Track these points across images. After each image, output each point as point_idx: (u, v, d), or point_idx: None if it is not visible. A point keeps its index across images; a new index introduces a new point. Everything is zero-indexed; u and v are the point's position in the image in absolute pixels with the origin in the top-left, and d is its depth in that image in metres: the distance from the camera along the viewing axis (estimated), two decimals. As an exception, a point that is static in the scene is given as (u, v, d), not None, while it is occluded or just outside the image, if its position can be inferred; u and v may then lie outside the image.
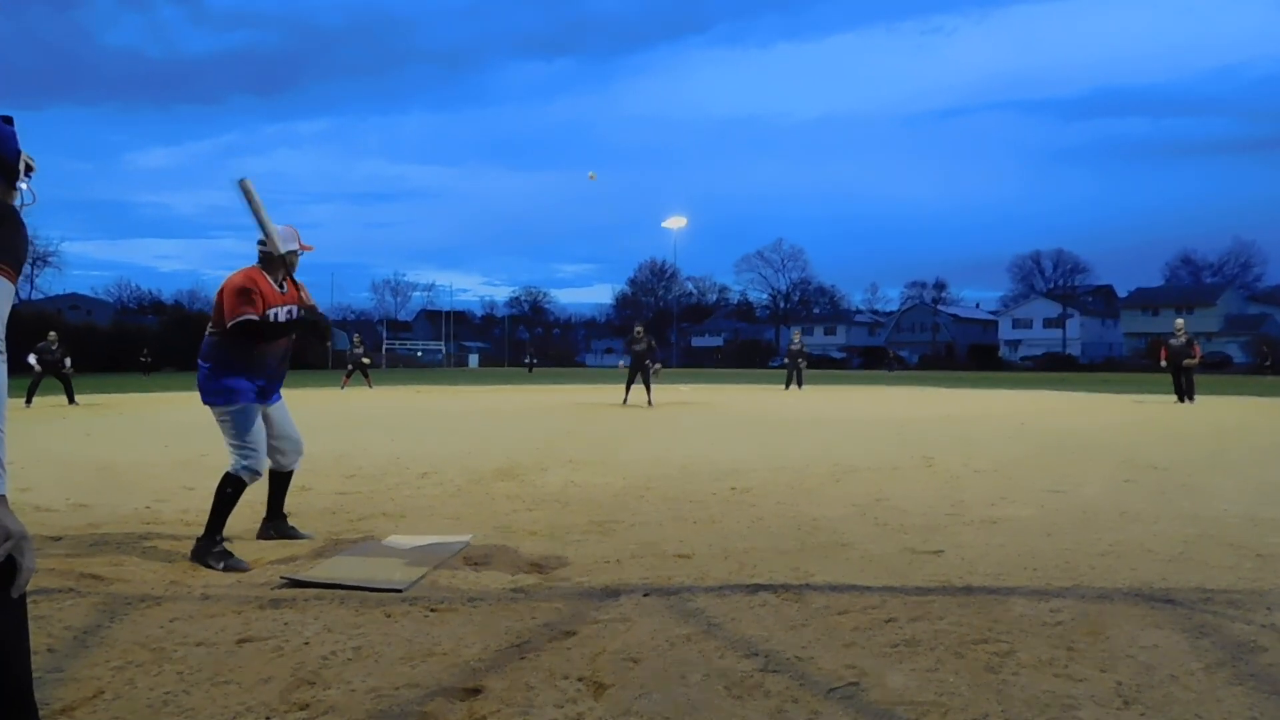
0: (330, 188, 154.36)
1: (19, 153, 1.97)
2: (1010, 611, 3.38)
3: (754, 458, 8.56)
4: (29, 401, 17.00)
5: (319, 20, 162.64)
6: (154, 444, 9.72)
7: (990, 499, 6.07)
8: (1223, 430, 11.96)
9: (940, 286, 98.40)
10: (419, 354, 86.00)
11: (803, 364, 26.94)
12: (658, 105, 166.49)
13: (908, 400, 20.84)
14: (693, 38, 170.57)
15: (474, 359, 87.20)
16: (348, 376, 27.04)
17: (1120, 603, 3.50)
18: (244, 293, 4.48)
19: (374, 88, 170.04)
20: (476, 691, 2.58)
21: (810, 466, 7.85)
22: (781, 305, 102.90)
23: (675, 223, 76.96)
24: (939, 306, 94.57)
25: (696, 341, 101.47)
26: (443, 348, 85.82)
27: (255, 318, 4.45)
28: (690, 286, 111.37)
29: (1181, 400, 18.28)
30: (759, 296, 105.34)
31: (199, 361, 4.59)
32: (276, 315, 4.57)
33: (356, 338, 28.81)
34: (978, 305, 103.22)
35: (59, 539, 4.73)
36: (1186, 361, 18.30)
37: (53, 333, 18.98)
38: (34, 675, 2.67)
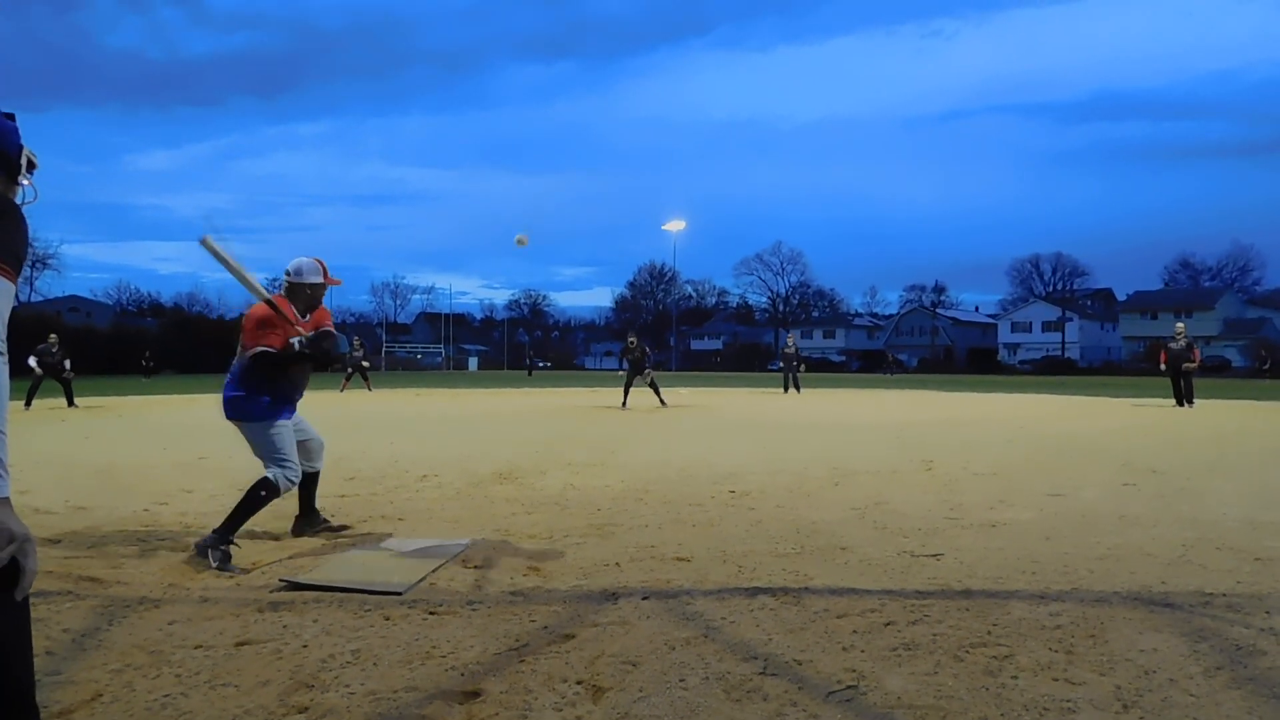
0: (330, 190, 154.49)
1: (21, 148, 1.97)
2: (1009, 615, 3.38)
3: (753, 461, 8.56)
4: (28, 404, 16.98)
5: (319, 22, 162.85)
6: (153, 447, 9.71)
7: (989, 502, 6.07)
8: (1222, 434, 11.97)
9: (939, 290, 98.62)
10: (418, 356, 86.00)
11: (799, 367, 26.97)
12: (658, 108, 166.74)
13: (907, 404, 20.84)
14: (693, 40, 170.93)
15: (473, 362, 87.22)
16: (347, 379, 27.02)
17: (1119, 606, 3.50)
18: (265, 323, 4.64)
19: (374, 90, 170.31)
20: (475, 694, 2.58)
21: (809, 470, 7.85)
22: (780, 308, 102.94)
23: (674, 226, 76.93)
24: (938, 310, 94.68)
25: (696, 345, 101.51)
26: (442, 350, 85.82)
27: (274, 350, 4.61)
28: (689, 289, 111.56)
29: (1181, 404, 18.28)
30: (758, 300, 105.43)
31: (233, 381, 4.72)
32: (300, 344, 4.72)
33: (356, 341, 28.76)
34: (977, 309, 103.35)
35: (58, 541, 4.72)
36: (1185, 365, 18.29)
37: (53, 335, 18.93)
38: (36, 678, 2.67)
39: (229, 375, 4.77)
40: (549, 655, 2.93)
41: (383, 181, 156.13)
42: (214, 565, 4.14)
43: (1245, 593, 3.72)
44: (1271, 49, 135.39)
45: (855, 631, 3.18)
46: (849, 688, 2.64)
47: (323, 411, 16.46)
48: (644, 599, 3.62)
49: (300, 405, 5.00)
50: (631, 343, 19.39)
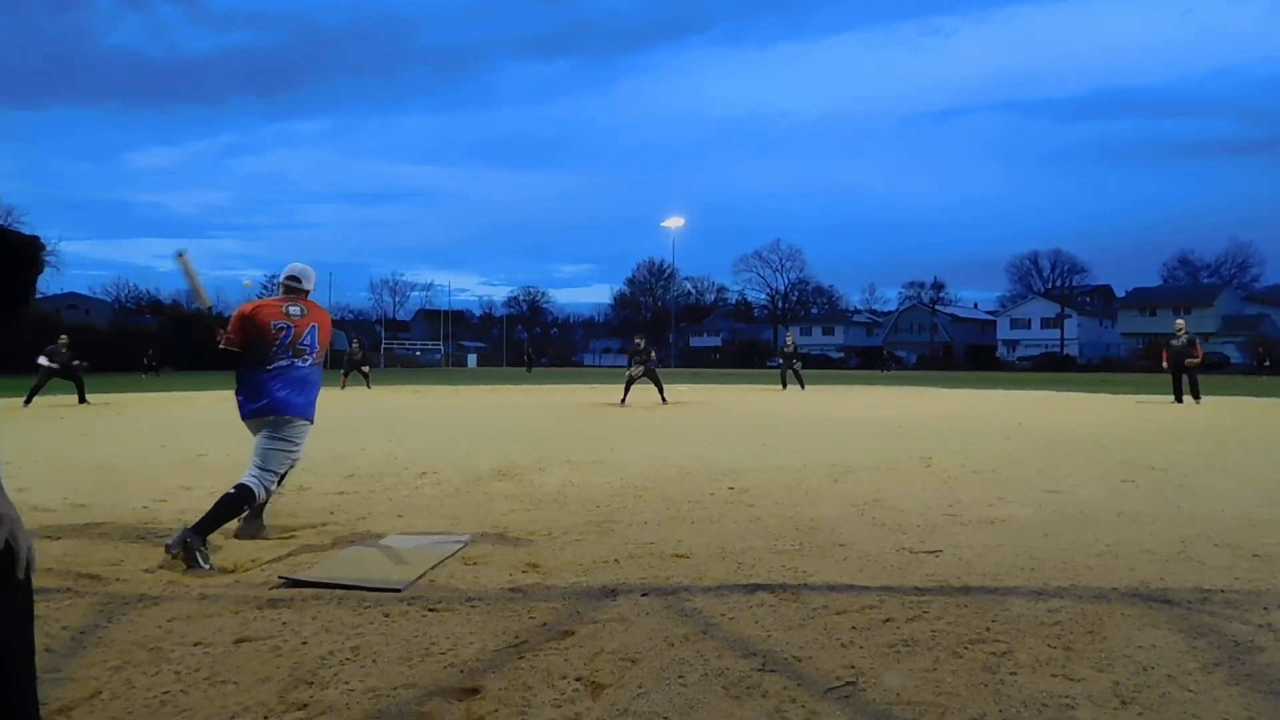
0: (329, 188, 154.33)
1: None
2: (1008, 611, 3.39)
3: (752, 458, 8.57)
4: (28, 402, 16.96)
5: (320, 20, 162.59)
6: (152, 444, 9.70)
7: (988, 499, 6.08)
8: (1220, 430, 11.97)
9: (938, 287, 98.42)
10: (417, 354, 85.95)
11: (797, 364, 27.00)
12: (657, 105, 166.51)
13: (905, 400, 20.85)
14: (692, 38, 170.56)
15: (472, 359, 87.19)
16: (345, 377, 27.07)
17: (1118, 603, 3.50)
18: (235, 319, 4.88)
19: (374, 88, 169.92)
20: (474, 691, 2.58)
21: (808, 466, 7.86)
22: (780, 305, 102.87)
23: (674, 223, 76.94)
24: (937, 307, 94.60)
25: (695, 341, 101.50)
26: (441, 347, 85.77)
27: (220, 344, 4.88)
28: (689, 286, 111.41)
29: (1180, 400, 18.27)
30: (757, 296, 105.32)
31: (315, 383, 5.02)
32: (285, 335, 4.85)
33: (356, 343, 28.73)
34: (975, 305, 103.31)
35: (57, 538, 4.72)
36: (1189, 361, 18.25)
37: (64, 336, 19.05)
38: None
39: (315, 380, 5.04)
40: (548, 652, 2.93)
41: (382, 179, 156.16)
42: (205, 566, 4.09)
43: (1244, 589, 3.72)
44: (1271, 47, 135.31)
45: (854, 628, 3.19)
46: (848, 684, 2.64)
47: (322, 409, 16.44)
48: (643, 596, 3.63)
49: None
50: (639, 344, 19.51)
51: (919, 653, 2.92)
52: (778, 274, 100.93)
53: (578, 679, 2.69)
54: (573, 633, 3.13)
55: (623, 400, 18.76)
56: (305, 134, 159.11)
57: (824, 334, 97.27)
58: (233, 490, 4.52)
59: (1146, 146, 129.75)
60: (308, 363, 4.97)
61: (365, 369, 27.61)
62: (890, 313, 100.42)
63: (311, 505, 5.81)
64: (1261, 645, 2.98)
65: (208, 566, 4.11)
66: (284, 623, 3.24)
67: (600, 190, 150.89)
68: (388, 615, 3.35)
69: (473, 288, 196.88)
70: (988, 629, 3.17)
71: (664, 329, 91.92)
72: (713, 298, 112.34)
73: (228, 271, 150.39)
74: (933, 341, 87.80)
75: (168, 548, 4.19)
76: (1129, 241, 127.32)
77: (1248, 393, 24.11)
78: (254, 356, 4.79)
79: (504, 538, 4.82)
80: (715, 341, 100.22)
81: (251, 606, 3.45)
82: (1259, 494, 6.25)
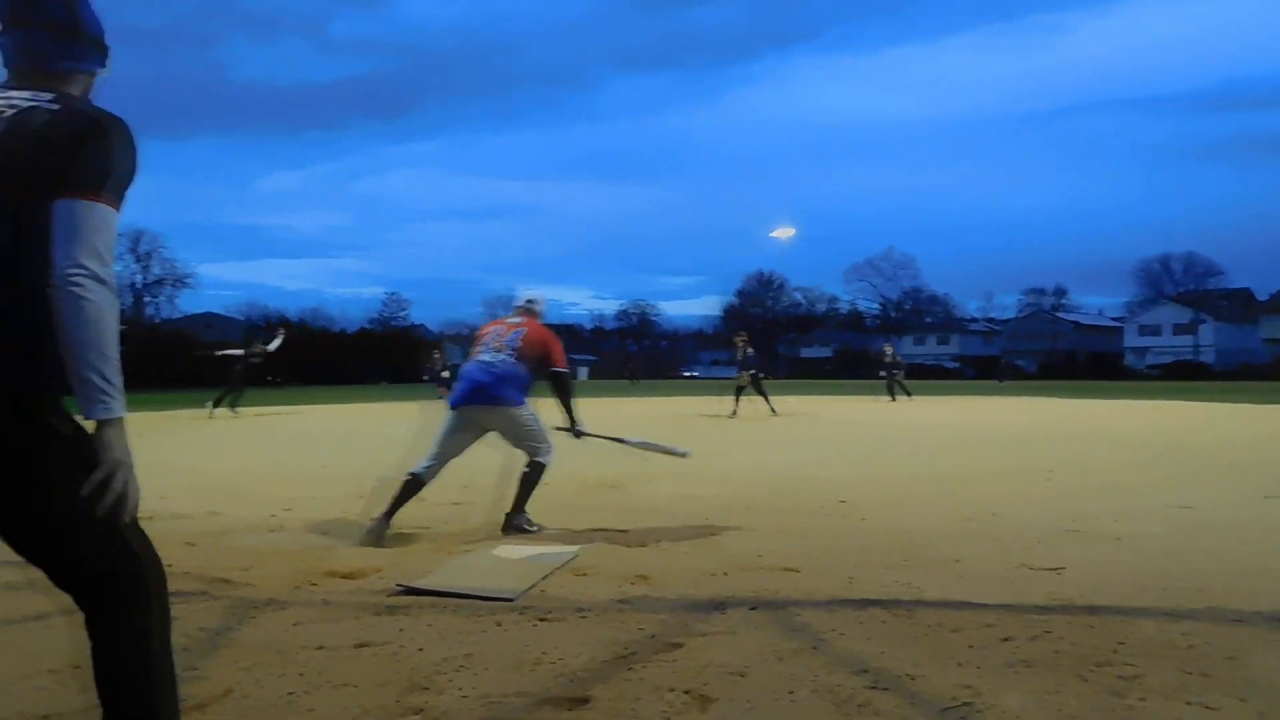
0: (444, 206, 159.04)
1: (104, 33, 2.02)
2: (1137, 633, 3.22)
3: (863, 469, 8.41)
4: (226, 406, 17.87)
5: (435, 46, 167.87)
6: (281, 455, 10.16)
7: (1114, 514, 5.80)
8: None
9: (1059, 293, 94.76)
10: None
11: (898, 374, 26.49)
12: (765, 114, 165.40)
13: (1024, 410, 20.10)
14: (800, 45, 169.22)
15: (584, 371, 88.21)
16: (443, 387, 27.60)
17: (1260, 627, 3.29)
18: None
19: (486, 108, 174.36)
20: (584, 701, 2.61)
21: (921, 478, 7.66)
22: (892, 315, 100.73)
23: (783, 233, 76.29)
24: (1058, 314, 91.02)
25: (805, 352, 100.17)
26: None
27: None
28: (798, 297, 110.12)
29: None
30: (869, 306, 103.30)
31: (500, 379, 5.73)
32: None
33: (437, 353, 28.91)
34: (1100, 312, 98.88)
35: (193, 544, 4.99)
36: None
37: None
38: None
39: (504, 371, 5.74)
40: (656, 663, 2.94)
41: (494, 196, 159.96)
42: (534, 530, 5.48)
43: (1404, 614, 3.44)
44: None
45: (970, 646, 3.08)
46: (964, 705, 2.56)
47: (433, 419, 16.92)
48: (751, 609, 3.60)
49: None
50: (741, 341, 19.27)
51: (1040, 674, 2.80)
52: (890, 283, 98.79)
53: (686, 691, 2.68)
54: (681, 645, 3.13)
55: (733, 412, 18.60)
56: (421, 154, 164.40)
57: (939, 343, 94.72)
58: (527, 468, 5.76)
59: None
60: (503, 355, 5.84)
61: (445, 373, 27.51)
62: (1008, 321, 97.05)
63: (428, 515, 5.98)
64: None
65: (535, 529, 5.50)
66: (401, 629, 3.34)
67: (708, 202, 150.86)
68: (500, 624, 3.42)
69: (583, 301, 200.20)
70: (1115, 651, 3.02)
71: (773, 340, 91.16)
72: (823, 308, 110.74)
73: (349, 290, 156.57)
74: (1054, 350, 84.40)
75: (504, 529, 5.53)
76: (1269, 241, 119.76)
77: None
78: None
79: (613, 549, 4.86)
80: (826, 352, 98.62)
81: (371, 613, 3.57)
82: None
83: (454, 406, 5.79)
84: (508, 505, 5.63)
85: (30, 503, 1.73)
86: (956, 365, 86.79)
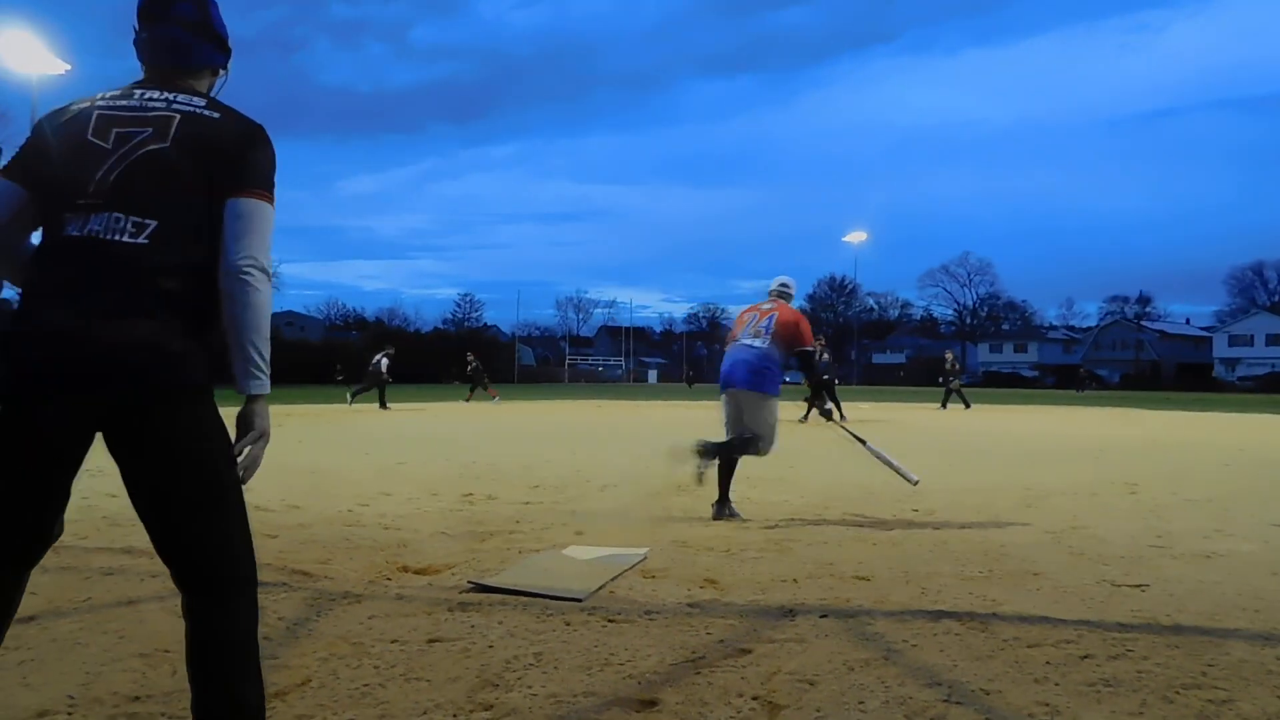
0: (518, 208, 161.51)
1: (228, 34, 2.23)
2: (1228, 656, 3.09)
3: (937, 478, 8.24)
4: (378, 403, 21.02)
5: (511, 50, 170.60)
6: (356, 452, 10.39)
7: (1203, 531, 5.59)
8: None
9: (1144, 301, 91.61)
10: (600, 369, 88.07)
11: (955, 382, 25.91)
12: (840, 117, 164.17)
13: (1106, 421, 19.49)
14: (878, 48, 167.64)
15: (653, 374, 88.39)
16: (487, 389, 27.69)
17: (1361, 652, 3.13)
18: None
19: (561, 112, 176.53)
20: (652, 704, 2.61)
21: (999, 489, 7.48)
22: (968, 321, 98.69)
23: (856, 237, 75.28)
24: (1143, 322, 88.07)
25: (878, 358, 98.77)
26: (622, 363, 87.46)
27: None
28: (871, 302, 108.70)
29: None
30: (944, 312, 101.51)
31: (760, 365, 6.19)
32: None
33: (470, 355, 29.16)
34: (1188, 321, 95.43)
35: (275, 536, 5.13)
36: None
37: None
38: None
39: (755, 357, 6.21)
40: (725, 669, 2.92)
41: (568, 199, 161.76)
42: (737, 516, 5.93)
43: None
44: None
45: (1049, 663, 3.00)
46: (1042, 722, 2.49)
47: (509, 419, 17.15)
48: (822, 617, 3.56)
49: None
50: (819, 344, 19.05)
51: (1123, 694, 2.71)
52: (965, 289, 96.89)
53: (754, 698, 2.66)
54: (750, 651, 3.11)
55: (803, 417, 18.38)
56: (497, 158, 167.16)
57: (1016, 351, 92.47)
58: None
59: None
60: (756, 342, 6.35)
61: (483, 374, 27.97)
62: (1090, 329, 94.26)
63: (499, 514, 6.05)
64: None
65: (738, 517, 5.94)
66: (472, 625, 3.38)
67: (781, 205, 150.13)
68: (569, 624, 3.44)
69: (654, 304, 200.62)
70: (1204, 674, 2.90)
71: (846, 345, 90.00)
72: (896, 314, 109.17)
73: (425, 290, 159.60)
74: (1138, 359, 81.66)
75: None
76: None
77: None
78: None
79: (682, 553, 4.85)
80: (899, 359, 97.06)
81: (443, 609, 3.63)
82: None
83: (722, 390, 6.43)
84: (577, 505, 5.65)
85: (186, 485, 1.90)
86: (1034, 374, 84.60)
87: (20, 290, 1.97)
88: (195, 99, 2.03)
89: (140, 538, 3.80)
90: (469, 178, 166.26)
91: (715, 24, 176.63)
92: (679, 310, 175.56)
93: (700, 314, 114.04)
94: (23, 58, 20.45)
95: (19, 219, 1.98)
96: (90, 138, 1.96)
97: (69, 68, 21.58)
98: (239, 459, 2.00)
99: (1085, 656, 3.07)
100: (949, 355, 27.33)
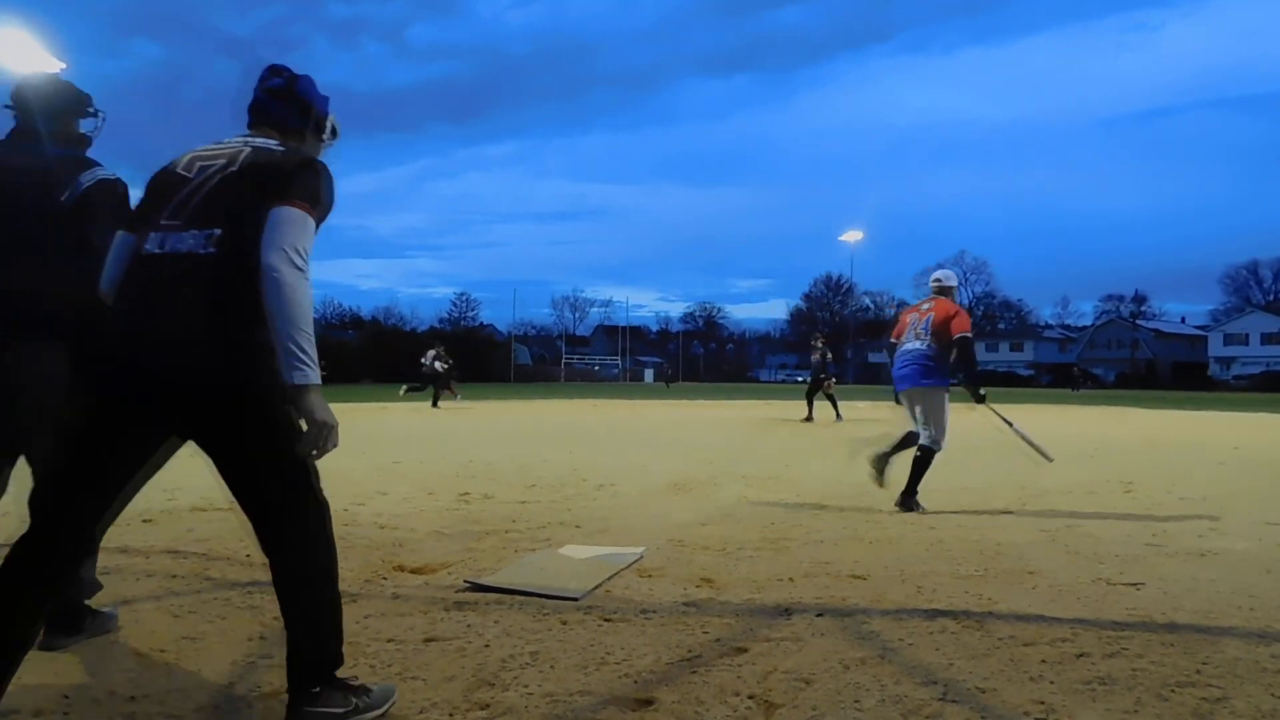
0: (515, 207, 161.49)
1: (327, 113, 2.65)
2: (1222, 654, 3.10)
3: (934, 478, 8.22)
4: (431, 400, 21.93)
5: (509, 50, 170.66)
6: (351, 451, 10.38)
7: (1198, 529, 5.60)
8: None
9: (1139, 300, 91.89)
10: (596, 368, 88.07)
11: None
12: (837, 117, 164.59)
13: (1101, 420, 19.53)
14: (874, 47, 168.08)
15: (649, 374, 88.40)
16: (449, 389, 24.43)
17: (1355, 650, 3.14)
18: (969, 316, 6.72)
19: (559, 111, 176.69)
20: (648, 703, 2.61)
21: (994, 488, 7.50)
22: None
23: (851, 236, 75.41)
24: (1138, 321, 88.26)
25: (874, 357, 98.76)
26: (619, 362, 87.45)
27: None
28: (867, 301, 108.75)
29: None
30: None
31: (925, 362, 6.55)
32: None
33: (435, 351, 24.62)
34: (1183, 320, 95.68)
35: (270, 536, 5.11)
36: None
37: (442, 347, 23.87)
38: (249, 660, 2.91)
39: (919, 357, 6.57)
40: (721, 668, 2.93)
41: (565, 198, 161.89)
42: (919, 509, 6.22)
43: None
44: None
45: (1044, 661, 3.00)
46: (1038, 721, 2.49)
47: (508, 419, 17.15)
48: (818, 616, 3.56)
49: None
50: (816, 344, 18.98)
51: (1118, 693, 2.71)
52: (961, 287, 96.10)
53: (750, 697, 2.66)
54: (746, 650, 3.11)
55: (807, 416, 18.35)
56: (494, 157, 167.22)
57: (1012, 350, 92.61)
58: (919, 452, 6.46)
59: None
60: (918, 344, 6.64)
61: (444, 371, 24.16)
62: (1085, 328, 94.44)
63: (496, 513, 6.05)
64: None
65: (921, 509, 6.24)
66: (468, 625, 3.38)
67: (778, 204, 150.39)
68: (565, 623, 3.44)
69: (650, 303, 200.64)
70: (1198, 671, 2.91)
71: (842, 344, 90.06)
72: (892, 312, 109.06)
73: (422, 289, 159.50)
74: (1133, 358, 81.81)
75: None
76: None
77: None
78: None
79: (679, 551, 4.85)
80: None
81: (439, 608, 3.62)
82: None
83: (897, 390, 6.82)
84: (573, 504, 5.63)
85: (264, 464, 2.27)
86: (1030, 372, 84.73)
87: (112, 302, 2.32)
88: (270, 141, 2.43)
89: (135, 537, 3.80)
90: (466, 177, 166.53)
91: (712, 23, 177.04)
92: (675, 309, 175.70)
93: (696, 313, 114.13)
94: (16, 56, 20.38)
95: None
96: (179, 171, 2.35)
97: (64, 66, 21.50)
98: (304, 452, 2.25)
99: (1081, 655, 3.07)
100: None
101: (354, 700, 2.36)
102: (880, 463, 6.70)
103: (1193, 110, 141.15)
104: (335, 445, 2.26)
